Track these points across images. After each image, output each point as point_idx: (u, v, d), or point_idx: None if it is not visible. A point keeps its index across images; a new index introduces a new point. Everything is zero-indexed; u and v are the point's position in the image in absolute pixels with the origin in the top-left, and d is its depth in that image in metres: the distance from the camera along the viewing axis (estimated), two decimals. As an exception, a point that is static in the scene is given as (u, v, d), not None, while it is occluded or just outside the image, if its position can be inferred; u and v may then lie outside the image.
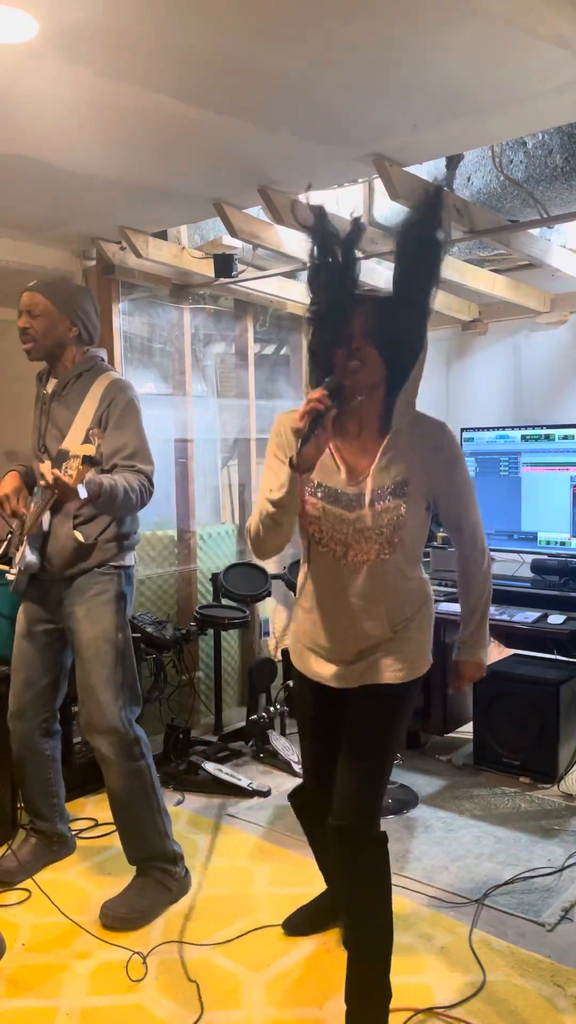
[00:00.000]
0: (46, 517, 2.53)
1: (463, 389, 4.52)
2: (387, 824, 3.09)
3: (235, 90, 2.15)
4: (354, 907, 2.01)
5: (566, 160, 2.68)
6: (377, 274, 3.82)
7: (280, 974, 2.26)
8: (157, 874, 2.58)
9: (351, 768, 1.94)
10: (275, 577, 4.18)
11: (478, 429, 3.93)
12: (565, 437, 3.65)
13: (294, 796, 2.35)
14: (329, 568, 1.94)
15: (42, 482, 2.17)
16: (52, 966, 2.31)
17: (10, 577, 2.57)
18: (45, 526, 2.53)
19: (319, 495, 1.92)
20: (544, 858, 2.83)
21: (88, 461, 2.13)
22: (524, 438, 3.77)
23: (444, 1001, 2.13)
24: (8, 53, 1.92)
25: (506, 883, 2.67)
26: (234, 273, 3.52)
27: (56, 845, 2.84)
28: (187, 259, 3.64)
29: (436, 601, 2.32)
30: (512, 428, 3.82)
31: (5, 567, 2.61)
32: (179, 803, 3.30)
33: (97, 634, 2.52)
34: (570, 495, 3.64)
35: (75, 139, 2.46)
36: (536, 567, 3.69)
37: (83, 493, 2.15)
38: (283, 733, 3.90)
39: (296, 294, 4.16)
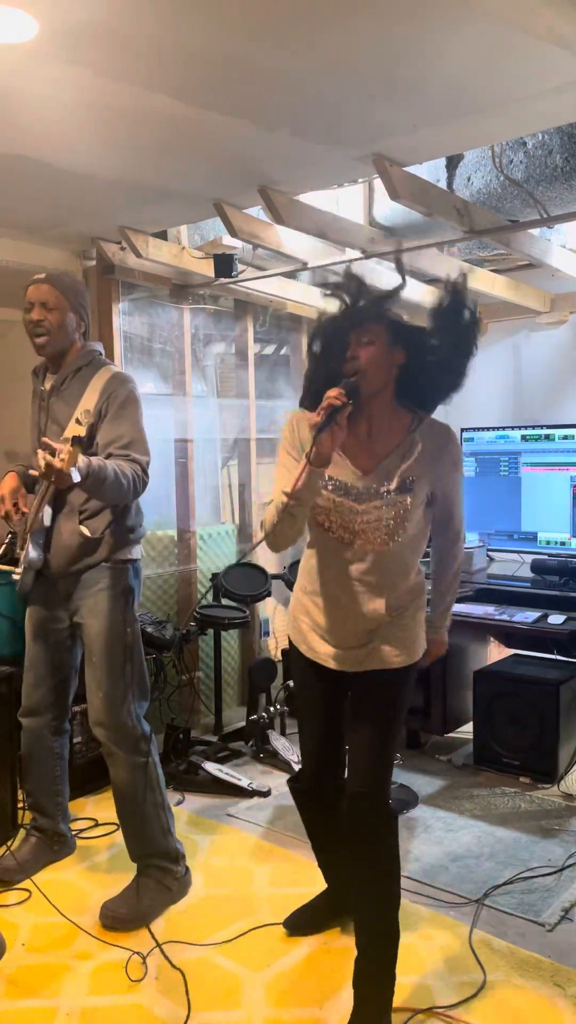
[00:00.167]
0: (47, 513, 2.52)
1: (463, 389, 4.51)
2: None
3: (235, 90, 2.15)
4: (367, 881, 2.06)
5: (566, 160, 2.68)
6: (377, 274, 3.82)
7: (280, 974, 2.26)
8: (158, 873, 2.58)
9: (362, 746, 2.06)
10: (275, 577, 4.18)
11: (478, 429, 3.93)
12: (565, 437, 3.65)
13: (294, 780, 2.38)
14: (336, 554, 2.07)
15: (34, 472, 2.16)
16: (52, 966, 2.31)
17: (16, 577, 2.57)
18: (47, 521, 2.53)
19: (330, 488, 2.03)
20: (544, 858, 2.83)
21: (77, 442, 2.09)
22: (524, 438, 3.77)
23: (444, 1001, 2.13)
24: (8, 53, 1.92)
25: (506, 883, 2.67)
26: (234, 273, 3.52)
27: (56, 845, 2.84)
28: (187, 259, 3.64)
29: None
30: (512, 428, 3.82)
31: (11, 568, 2.61)
32: (179, 803, 3.30)
33: (105, 628, 2.52)
34: (570, 495, 3.64)
35: (75, 139, 2.46)
36: (536, 567, 3.69)
37: (76, 477, 2.12)
38: (283, 733, 3.90)
39: (296, 294, 4.16)
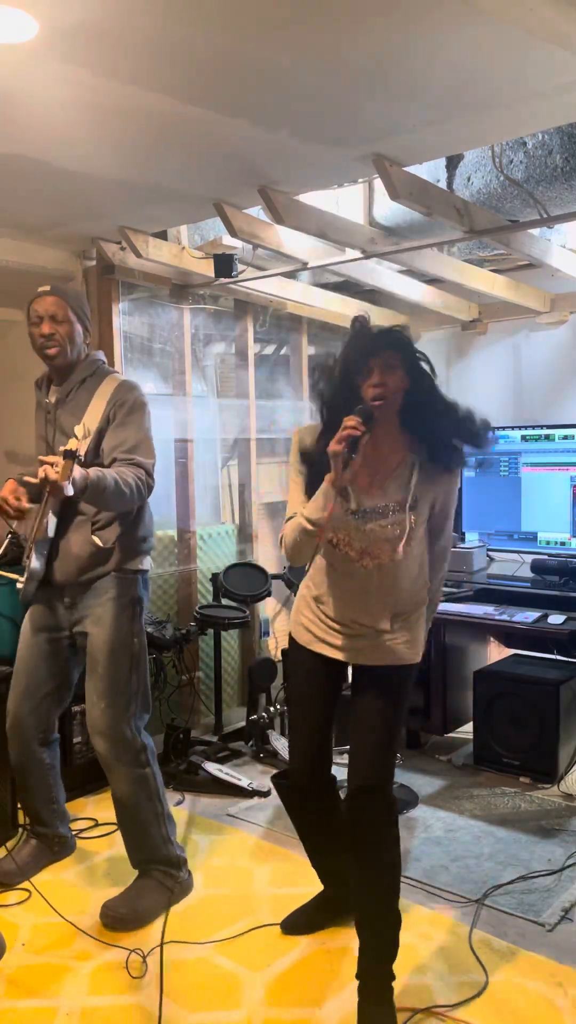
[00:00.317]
0: (52, 523, 2.50)
1: (463, 389, 4.51)
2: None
3: (235, 90, 2.15)
4: (373, 873, 2.10)
5: (566, 160, 2.68)
6: (377, 274, 3.82)
7: (280, 974, 2.26)
8: (159, 876, 2.58)
9: (366, 740, 2.13)
10: (275, 577, 4.18)
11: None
12: (565, 437, 3.65)
13: (280, 776, 2.38)
14: (342, 567, 2.15)
15: (34, 480, 2.16)
16: (52, 966, 2.31)
17: (20, 586, 2.55)
18: (51, 532, 2.51)
19: (340, 507, 2.09)
20: (544, 858, 2.83)
21: (70, 456, 2.08)
22: (524, 438, 3.77)
23: (444, 1001, 2.13)
24: (8, 53, 1.92)
25: (506, 883, 2.67)
26: (234, 273, 3.52)
27: (57, 846, 2.84)
28: (187, 259, 3.64)
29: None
30: (512, 428, 3.82)
31: (15, 576, 2.59)
32: (179, 803, 3.30)
33: (112, 638, 2.50)
34: (570, 495, 3.64)
35: (75, 139, 2.46)
36: (536, 567, 3.69)
37: (68, 490, 2.12)
38: (283, 733, 3.89)
39: (296, 294, 4.16)
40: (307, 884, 2.63)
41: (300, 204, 2.96)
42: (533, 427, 3.76)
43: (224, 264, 3.48)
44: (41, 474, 2.09)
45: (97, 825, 3.10)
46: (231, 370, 4.48)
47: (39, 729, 2.67)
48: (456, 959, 2.30)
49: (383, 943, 2.09)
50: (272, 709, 3.84)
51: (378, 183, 3.06)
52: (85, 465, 2.45)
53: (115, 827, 2.79)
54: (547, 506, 3.71)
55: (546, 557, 3.69)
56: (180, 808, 3.25)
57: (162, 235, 3.56)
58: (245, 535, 4.51)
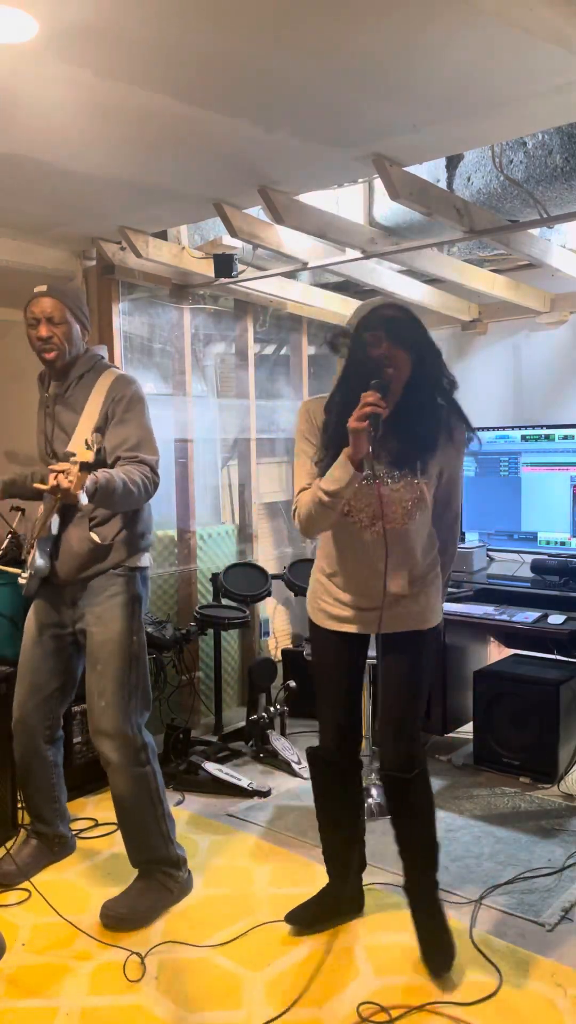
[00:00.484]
0: (55, 521, 2.51)
1: (463, 389, 4.47)
2: (387, 824, 3.08)
3: (235, 90, 2.15)
4: (417, 821, 2.31)
5: (566, 160, 2.68)
6: (377, 274, 3.82)
7: (280, 974, 2.26)
8: (159, 876, 2.58)
9: (396, 708, 2.25)
10: (275, 577, 4.18)
11: (478, 429, 3.92)
12: (565, 437, 3.65)
13: (314, 755, 2.45)
14: (355, 536, 2.21)
15: (44, 487, 2.16)
16: (52, 966, 2.31)
17: (22, 581, 2.56)
18: (54, 529, 2.52)
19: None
20: (544, 858, 2.83)
21: (86, 467, 2.11)
22: (524, 438, 3.77)
23: (444, 1001, 2.13)
24: (8, 53, 1.92)
25: (506, 883, 2.67)
26: (234, 273, 3.52)
27: (57, 846, 2.84)
28: (187, 259, 3.64)
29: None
30: (512, 428, 3.82)
31: (16, 570, 2.59)
32: (179, 803, 3.30)
33: (110, 636, 2.50)
34: (570, 495, 3.64)
35: (75, 139, 2.46)
36: (536, 567, 3.69)
37: (83, 499, 2.15)
38: (283, 733, 3.90)
39: (296, 294, 4.16)
40: (307, 884, 2.63)
41: (300, 204, 2.96)
42: (533, 427, 3.76)
43: (224, 264, 3.48)
44: (52, 482, 2.09)
45: (97, 825, 3.10)
46: (231, 370, 4.48)
47: (45, 725, 2.69)
48: (456, 959, 2.30)
49: (431, 861, 2.32)
50: (272, 709, 3.84)
51: (378, 183, 3.06)
52: (84, 466, 2.46)
53: (115, 827, 2.79)
54: (547, 506, 3.71)
55: (546, 557, 3.69)
56: (180, 808, 3.25)
57: (162, 235, 3.56)
58: (245, 535, 4.52)
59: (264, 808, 3.26)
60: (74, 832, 2.96)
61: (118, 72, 2.04)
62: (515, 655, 3.89)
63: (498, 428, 3.87)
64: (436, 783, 3.46)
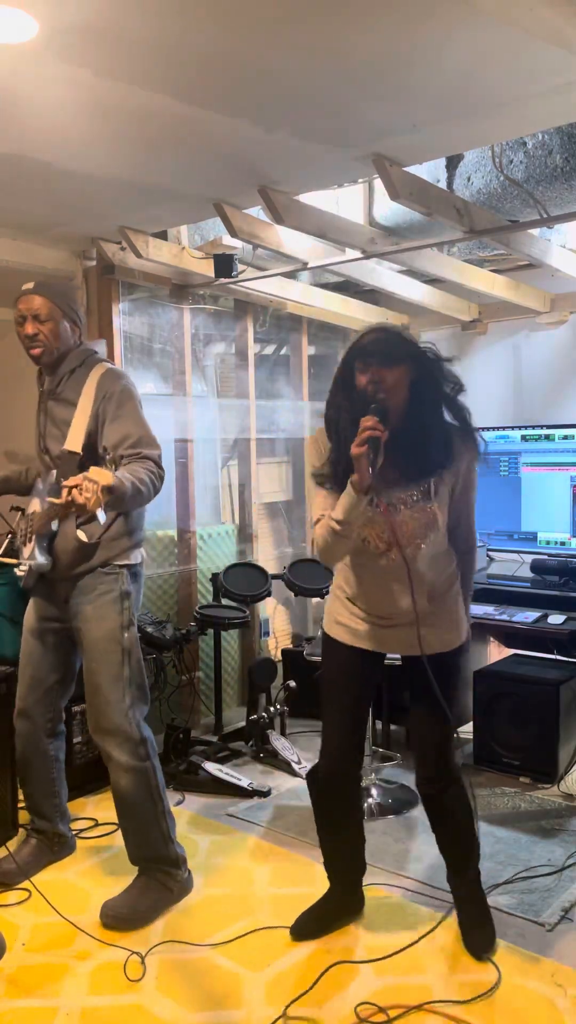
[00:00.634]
0: (56, 520, 2.52)
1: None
2: (387, 824, 3.10)
3: (235, 90, 2.15)
4: (458, 829, 2.36)
5: (566, 160, 2.68)
6: (377, 274, 3.82)
7: (280, 974, 2.26)
8: (159, 875, 2.57)
9: (431, 729, 2.30)
10: (275, 577, 4.18)
11: (478, 429, 3.93)
12: (565, 437, 3.65)
13: (313, 775, 2.44)
14: (372, 561, 2.20)
15: (58, 501, 2.14)
16: (52, 966, 2.31)
17: (19, 573, 2.57)
18: (54, 526, 2.53)
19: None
20: (544, 858, 2.83)
21: (107, 492, 2.08)
22: (524, 438, 3.77)
23: (444, 1000, 2.13)
24: (8, 53, 1.92)
25: (506, 883, 2.67)
26: (234, 273, 3.52)
27: (56, 845, 2.84)
28: (187, 259, 3.64)
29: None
30: (512, 428, 3.82)
31: (14, 561, 2.60)
32: (179, 803, 3.30)
33: (103, 633, 2.51)
34: (570, 495, 3.64)
35: (75, 139, 2.46)
36: (536, 567, 3.69)
37: (102, 517, 2.13)
38: (283, 733, 3.90)
39: (296, 294, 4.16)
40: (307, 884, 2.63)
41: (300, 204, 2.96)
42: (533, 427, 3.76)
43: (224, 264, 3.48)
44: (66, 496, 2.06)
45: (97, 825, 3.10)
46: (231, 370, 4.48)
47: (46, 718, 2.70)
48: (456, 959, 2.30)
49: (473, 862, 2.39)
50: (272, 709, 3.84)
51: (378, 183, 3.06)
52: (86, 464, 2.46)
53: (115, 827, 2.79)
54: (547, 506, 3.71)
55: (546, 557, 3.69)
56: (180, 808, 3.25)
57: (162, 235, 3.56)
58: (245, 535, 4.52)
59: (264, 808, 3.26)
60: (74, 832, 2.96)
61: (118, 72, 2.04)
62: (515, 655, 3.89)
63: (498, 428, 3.87)
64: (436, 783, 3.46)
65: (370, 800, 3.21)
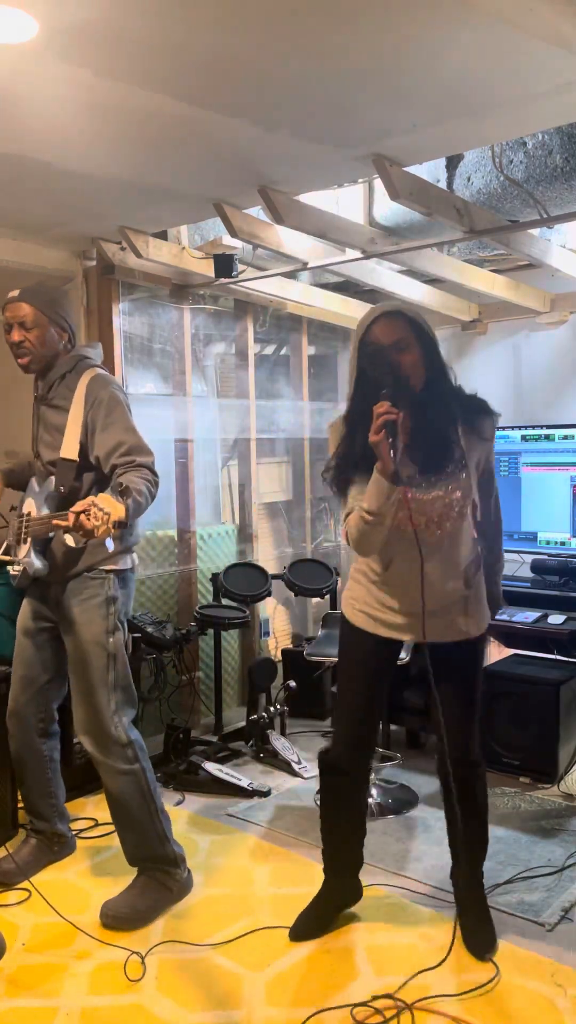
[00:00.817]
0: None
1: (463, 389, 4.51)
2: (387, 824, 3.10)
3: (235, 90, 2.15)
4: (474, 819, 2.35)
5: (566, 160, 2.68)
6: (377, 274, 3.82)
7: (280, 974, 2.26)
8: (159, 875, 2.57)
9: (458, 714, 2.28)
10: (275, 577, 4.18)
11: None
12: (565, 437, 3.65)
13: (324, 758, 2.45)
14: (401, 546, 2.17)
15: (63, 523, 2.14)
16: (52, 966, 2.31)
17: (13, 572, 2.57)
18: (51, 532, 2.52)
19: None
20: (544, 858, 2.83)
21: (119, 525, 2.07)
22: (524, 438, 3.77)
23: (444, 1000, 2.13)
24: (8, 53, 1.92)
25: (506, 883, 2.67)
26: (234, 273, 3.52)
27: (56, 845, 2.84)
28: (187, 259, 3.64)
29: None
30: (512, 428, 3.82)
31: (8, 558, 2.60)
32: (179, 803, 3.30)
33: (88, 638, 2.51)
34: (570, 495, 3.64)
35: (75, 139, 2.46)
36: (536, 567, 3.69)
37: (110, 546, 2.13)
38: (283, 733, 3.90)
39: (296, 294, 4.16)
40: (307, 884, 2.63)
41: (300, 204, 2.96)
42: (533, 427, 3.76)
43: (224, 264, 3.48)
44: (72, 521, 2.04)
45: (97, 825, 3.10)
46: (231, 370, 4.48)
47: (38, 718, 2.70)
48: (456, 959, 2.30)
49: (480, 857, 2.41)
50: (272, 709, 3.84)
51: (378, 183, 3.06)
52: (79, 471, 2.47)
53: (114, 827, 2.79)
54: (547, 506, 3.71)
55: (546, 557, 3.69)
56: (180, 808, 3.25)
57: (162, 235, 3.56)
58: (245, 535, 4.52)
59: (264, 808, 3.26)
60: (74, 832, 2.96)
61: (118, 72, 2.04)
62: (515, 655, 3.88)
63: (498, 428, 3.86)
64: (437, 783, 3.45)
65: (370, 800, 3.20)
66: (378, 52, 1.95)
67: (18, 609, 2.74)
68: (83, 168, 2.69)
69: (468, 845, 2.37)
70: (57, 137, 2.44)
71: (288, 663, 4.26)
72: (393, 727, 3.92)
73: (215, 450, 4.48)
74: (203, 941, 2.41)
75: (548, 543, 3.72)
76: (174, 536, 4.14)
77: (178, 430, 4.11)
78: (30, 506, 2.59)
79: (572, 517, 3.64)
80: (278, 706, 3.90)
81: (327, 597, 4.37)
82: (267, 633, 4.56)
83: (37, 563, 2.52)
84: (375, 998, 2.13)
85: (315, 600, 4.81)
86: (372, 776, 3.21)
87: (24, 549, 2.54)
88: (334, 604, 4.41)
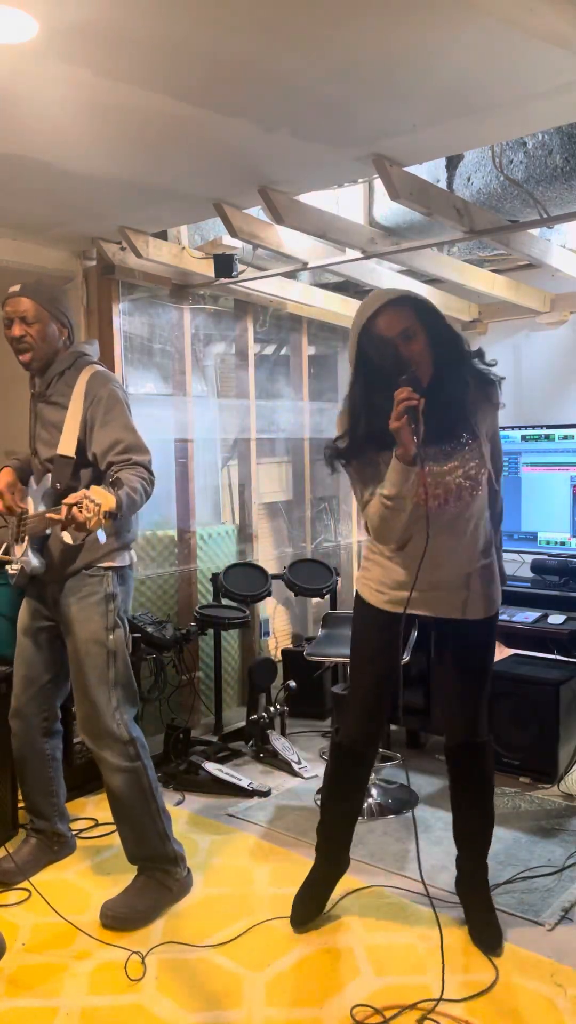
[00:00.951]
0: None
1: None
2: (387, 824, 3.10)
3: (235, 90, 2.15)
4: (480, 799, 2.37)
5: (566, 160, 2.68)
6: (377, 274, 3.82)
7: (280, 974, 2.26)
8: (158, 874, 2.58)
9: (467, 694, 2.30)
10: (275, 577, 4.18)
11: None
12: (565, 437, 3.65)
13: (335, 739, 2.47)
14: (421, 520, 2.15)
15: (56, 516, 2.14)
16: (52, 966, 2.31)
17: (11, 571, 2.57)
18: (48, 530, 2.53)
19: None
20: (544, 858, 2.83)
21: (110, 516, 2.08)
22: (524, 438, 3.77)
23: (444, 1000, 2.13)
24: (8, 53, 1.92)
25: (506, 883, 2.67)
26: (234, 273, 3.52)
27: (56, 845, 2.84)
28: (187, 259, 3.64)
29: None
30: (512, 428, 3.82)
31: (7, 557, 2.60)
32: (179, 803, 3.30)
33: (87, 636, 2.51)
34: (570, 495, 3.64)
35: (75, 139, 2.46)
36: (536, 567, 3.69)
37: (102, 538, 2.13)
38: (283, 733, 3.90)
39: (296, 294, 4.16)
40: (307, 884, 2.63)
41: (300, 204, 2.96)
42: (533, 427, 3.77)
43: (224, 264, 3.48)
44: (65, 513, 2.05)
45: (97, 825, 3.10)
46: (231, 370, 4.48)
47: (40, 717, 2.71)
48: (456, 959, 2.30)
49: (486, 844, 2.41)
50: (272, 709, 3.84)
51: (378, 183, 3.06)
52: (77, 468, 2.47)
53: (115, 827, 2.79)
54: (547, 506, 3.71)
55: (546, 557, 3.69)
56: (180, 808, 3.25)
57: (162, 235, 3.56)
58: (245, 535, 4.52)
59: (264, 808, 3.26)
60: (74, 832, 2.96)
61: (118, 72, 2.04)
62: (515, 655, 3.88)
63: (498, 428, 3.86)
64: (436, 783, 3.46)
65: (370, 800, 3.21)
66: (378, 52, 1.95)
67: (18, 609, 2.74)
68: (83, 168, 2.69)
69: (474, 831, 2.38)
70: (57, 137, 2.44)
71: (288, 663, 4.26)
72: (393, 727, 3.92)
73: (215, 450, 4.48)
74: (203, 941, 2.41)
75: (548, 543, 3.72)
76: (174, 536, 4.14)
77: (178, 430, 4.11)
78: (27, 504, 2.59)
79: (572, 517, 3.64)
80: (278, 706, 3.90)
81: (327, 597, 4.37)
82: (267, 633, 4.56)
83: (34, 561, 2.52)
84: (361, 1003, 2.13)
85: (315, 600, 4.81)
86: (373, 776, 3.22)
87: (21, 548, 2.54)
88: (334, 604, 4.41)
